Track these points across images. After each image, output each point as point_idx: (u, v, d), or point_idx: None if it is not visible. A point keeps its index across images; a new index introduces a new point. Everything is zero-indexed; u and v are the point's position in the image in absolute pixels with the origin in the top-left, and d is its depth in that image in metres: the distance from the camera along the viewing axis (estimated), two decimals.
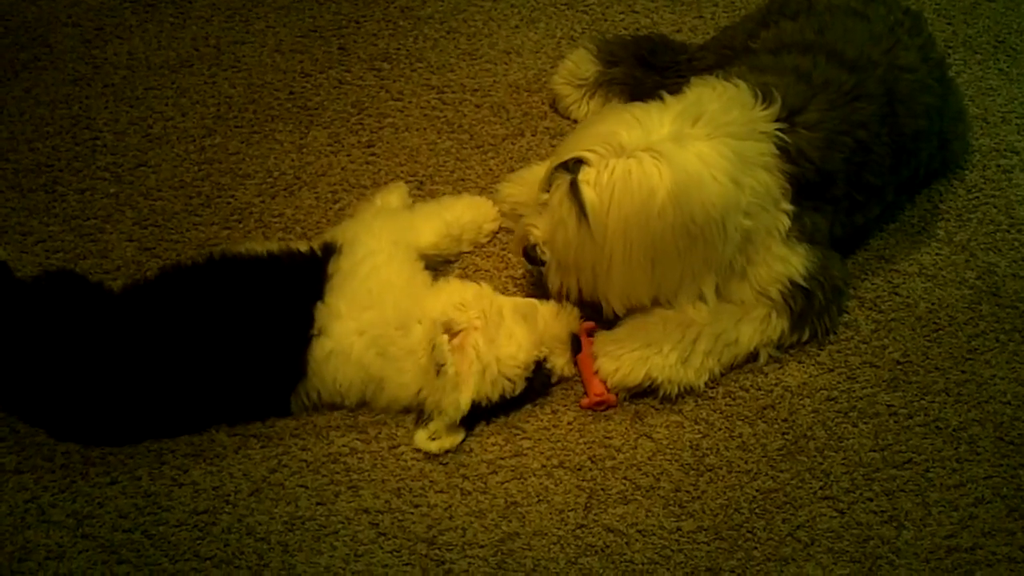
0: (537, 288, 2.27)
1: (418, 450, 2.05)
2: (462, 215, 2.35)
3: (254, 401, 2.07)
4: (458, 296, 2.10)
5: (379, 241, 2.14)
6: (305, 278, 2.07)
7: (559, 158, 2.07)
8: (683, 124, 2.05)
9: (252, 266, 2.10)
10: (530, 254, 2.13)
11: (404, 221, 2.28)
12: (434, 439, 2.04)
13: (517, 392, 2.07)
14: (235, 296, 2.05)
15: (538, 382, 2.10)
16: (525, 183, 2.42)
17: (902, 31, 2.37)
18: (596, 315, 2.18)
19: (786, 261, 2.15)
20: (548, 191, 2.08)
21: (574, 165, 2.02)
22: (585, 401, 2.12)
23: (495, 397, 2.05)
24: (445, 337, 2.01)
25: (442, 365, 1.99)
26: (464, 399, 2.00)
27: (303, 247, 2.15)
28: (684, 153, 2.00)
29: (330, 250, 2.12)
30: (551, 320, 2.12)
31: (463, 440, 2.06)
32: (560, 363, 2.12)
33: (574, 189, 2.00)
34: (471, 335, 2.04)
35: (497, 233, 2.42)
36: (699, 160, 2.01)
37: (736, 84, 2.15)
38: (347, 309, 2.03)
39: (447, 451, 2.05)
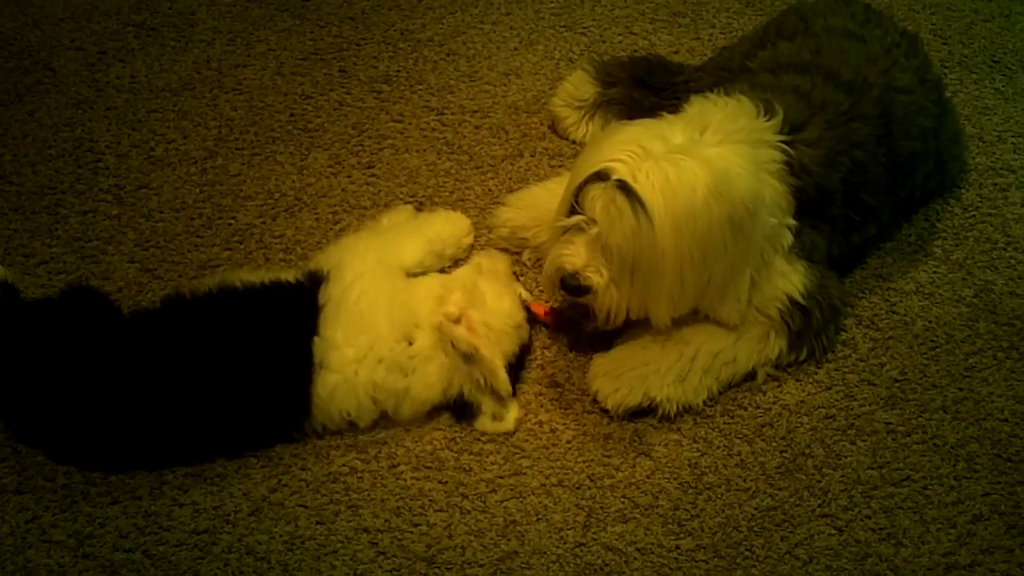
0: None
1: (485, 433, 2.11)
2: (442, 230, 2.37)
3: (259, 440, 2.09)
4: (431, 291, 2.14)
5: (365, 262, 2.16)
6: (297, 313, 2.07)
7: (576, 179, 2.04)
8: (692, 133, 2.06)
9: (245, 305, 2.09)
10: (570, 284, 2.06)
11: (388, 240, 2.30)
12: (497, 419, 2.10)
13: (527, 337, 2.18)
14: (230, 341, 2.03)
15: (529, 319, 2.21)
16: (523, 205, 2.43)
17: (898, 52, 2.38)
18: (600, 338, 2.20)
19: (786, 277, 2.15)
20: (570, 214, 2.05)
21: (604, 176, 1.99)
22: (552, 324, 2.28)
23: (516, 350, 2.15)
24: (460, 329, 2.06)
25: (471, 353, 2.05)
26: (501, 372, 2.07)
27: (290, 276, 2.15)
28: (707, 153, 2.01)
29: (317, 279, 2.12)
30: (493, 264, 2.22)
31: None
32: (525, 294, 2.23)
33: (624, 187, 1.95)
34: (467, 314, 2.09)
35: (473, 246, 2.45)
36: (722, 159, 2.02)
37: (738, 98, 2.17)
38: (344, 337, 2.05)
39: (517, 421, 2.12)
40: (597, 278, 2.04)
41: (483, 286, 2.16)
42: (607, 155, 2.01)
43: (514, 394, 2.14)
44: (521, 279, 2.32)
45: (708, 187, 1.96)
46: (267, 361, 2.02)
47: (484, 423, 2.11)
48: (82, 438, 2.01)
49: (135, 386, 1.98)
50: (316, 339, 2.04)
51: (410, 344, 2.08)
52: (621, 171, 1.97)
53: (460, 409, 2.12)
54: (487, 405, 2.11)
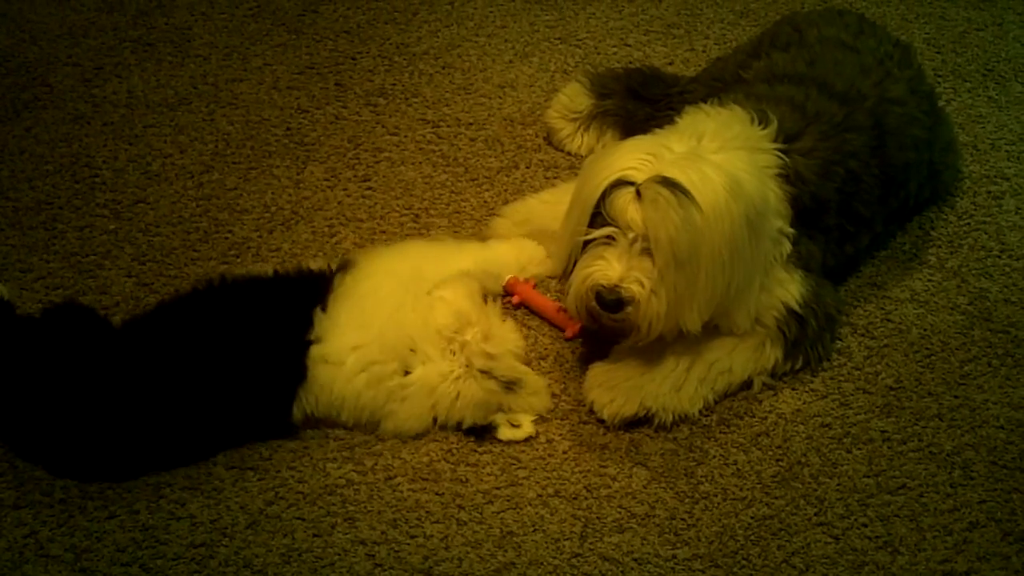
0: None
1: (507, 441, 2.11)
2: (504, 254, 2.34)
3: (259, 409, 2.08)
4: (443, 324, 2.11)
5: (397, 262, 2.19)
6: (313, 289, 2.12)
7: (592, 193, 2.00)
8: (690, 142, 2.06)
9: (262, 280, 2.16)
10: (608, 299, 2.00)
11: (444, 249, 2.31)
12: (516, 426, 2.12)
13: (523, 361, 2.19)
14: (243, 305, 2.10)
15: None
16: (518, 219, 2.43)
17: (892, 64, 2.40)
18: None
19: (784, 286, 2.16)
20: (592, 228, 2.02)
21: (627, 182, 1.97)
22: (569, 333, 2.27)
23: None
24: (506, 360, 2.09)
25: (515, 381, 2.09)
26: (547, 393, 2.15)
27: (315, 266, 2.21)
28: (713, 159, 2.02)
29: (344, 266, 2.17)
30: (475, 285, 2.19)
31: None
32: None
33: (666, 181, 1.92)
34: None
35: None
36: (728, 163, 2.02)
37: (731, 108, 2.18)
38: (345, 320, 2.08)
39: (535, 423, 2.13)
40: (638, 288, 1.98)
41: (491, 316, 2.15)
42: (619, 165, 1.99)
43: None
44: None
45: (726, 187, 1.96)
46: (275, 324, 2.07)
47: (504, 433, 2.12)
48: (84, 432, 2.01)
49: (133, 372, 2.01)
50: (319, 310, 2.08)
51: (406, 374, 2.09)
52: (643, 176, 1.95)
53: (475, 431, 2.12)
54: (500, 418, 2.11)
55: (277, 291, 2.14)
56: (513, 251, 2.36)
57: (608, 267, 2.00)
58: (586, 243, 2.05)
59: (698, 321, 2.04)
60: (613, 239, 2.00)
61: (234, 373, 2.03)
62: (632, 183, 1.96)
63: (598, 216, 2.02)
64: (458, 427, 2.13)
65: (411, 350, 2.09)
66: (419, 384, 2.08)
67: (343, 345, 2.07)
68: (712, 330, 2.15)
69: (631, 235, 1.98)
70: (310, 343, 2.06)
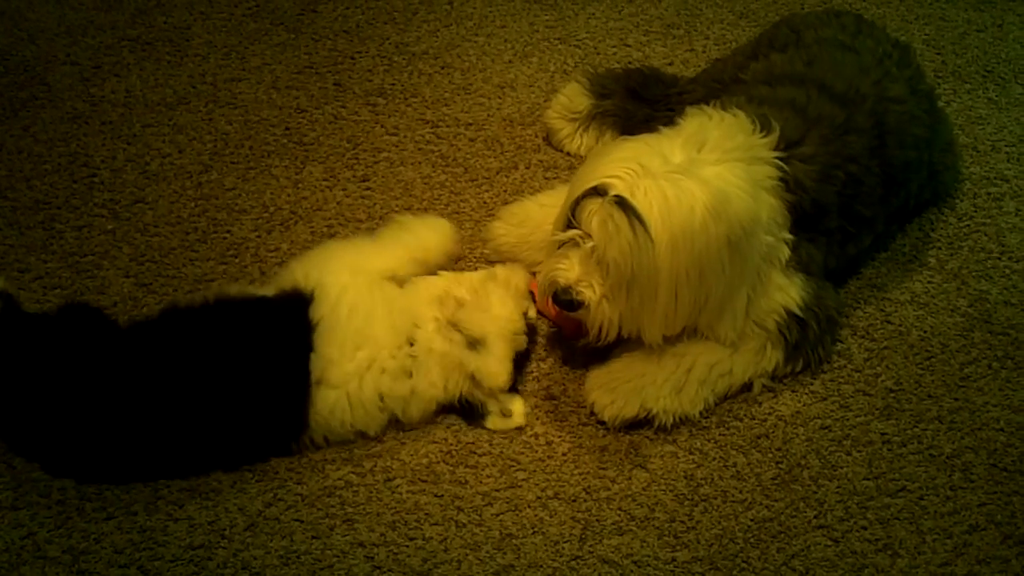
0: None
1: (497, 431, 2.13)
2: (426, 238, 2.29)
3: (257, 453, 2.09)
4: (435, 288, 2.16)
5: (340, 276, 2.13)
6: (292, 330, 2.06)
7: (573, 193, 2.05)
8: (691, 151, 2.06)
9: (243, 321, 2.08)
10: (562, 298, 2.07)
11: (360, 250, 2.26)
12: (506, 415, 2.12)
13: (524, 347, 2.18)
14: (224, 358, 2.03)
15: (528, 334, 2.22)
16: (516, 222, 2.42)
17: (891, 63, 2.39)
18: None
19: (784, 291, 2.16)
20: (567, 229, 2.06)
21: (601, 191, 2.00)
22: (568, 333, 2.26)
23: (512, 356, 2.15)
24: (471, 312, 2.10)
25: (479, 338, 2.09)
26: (508, 360, 2.12)
27: (268, 291, 2.13)
28: (706, 173, 2.02)
29: (302, 297, 2.08)
30: (509, 277, 2.21)
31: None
32: (532, 312, 2.23)
33: (621, 203, 1.96)
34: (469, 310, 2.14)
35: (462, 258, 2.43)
36: (720, 179, 2.03)
37: (734, 113, 2.18)
38: (340, 353, 2.04)
39: (526, 415, 2.15)
40: (589, 293, 2.05)
41: (491, 290, 2.17)
42: (605, 171, 2.02)
43: (516, 389, 2.16)
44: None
45: (706, 207, 1.97)
46: (263, 377, 2.02)
47: (494, 422, 2.13)
48: (79, 448, 2.01)
49: (131, 397, 1.99)
50: (313, 356, 2.04)
51: (411, 344, 2.09)
52: (619, 187, 1.98)
53: (468, 411, 2.13)
54: (493, 404, 2.12)
55: (269, 320, 2.08)
56: (433, 233, 2.30)
57: (568, 268, 2.07)
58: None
59: (658, 334, 2.09)
60: (580, 242, 2.05)
61: (230, 418, 2.01)
62: (604, 194, 1.99)
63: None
64: (453, 408, 2.13)
65: (416, 326, 2.10)
66: (423, 348, 2.09)
67: (347, 375, 2.04)
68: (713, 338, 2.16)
69: (590, 244, 2.03)
70: (309, 391, 2.03)
